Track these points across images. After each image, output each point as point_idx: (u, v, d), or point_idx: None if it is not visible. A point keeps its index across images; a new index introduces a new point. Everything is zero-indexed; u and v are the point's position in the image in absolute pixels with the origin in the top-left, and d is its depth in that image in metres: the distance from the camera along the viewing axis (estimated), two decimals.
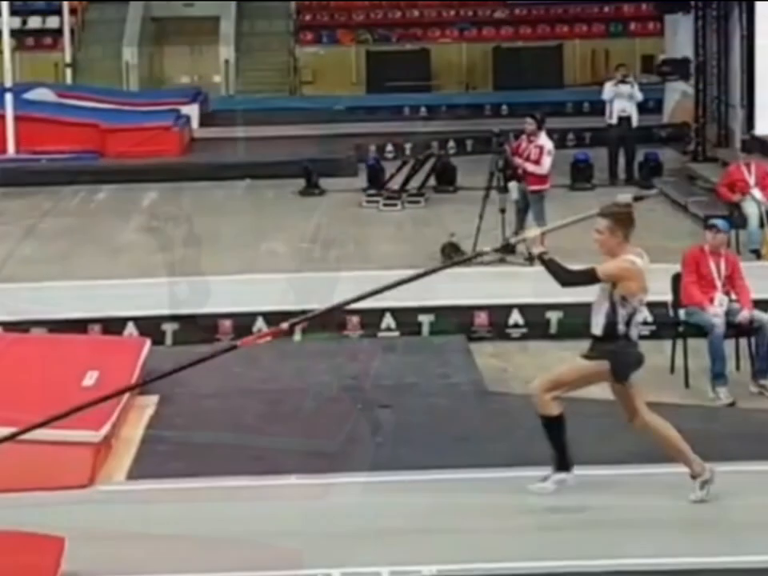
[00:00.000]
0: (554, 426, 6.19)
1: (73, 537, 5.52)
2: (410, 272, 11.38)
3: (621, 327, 6.17)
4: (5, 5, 19.32)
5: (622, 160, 16.95)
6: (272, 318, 9.95)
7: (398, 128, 21.38)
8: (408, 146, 19.65)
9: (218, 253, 13.04)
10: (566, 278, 6.21)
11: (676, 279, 9.01)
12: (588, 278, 6.18)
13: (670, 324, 9.09)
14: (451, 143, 19.88)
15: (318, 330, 9.85)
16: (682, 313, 8.91)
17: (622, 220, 6.21)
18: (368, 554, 5.67)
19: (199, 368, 8.66)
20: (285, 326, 6.23)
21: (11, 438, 6.03)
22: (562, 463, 6.22)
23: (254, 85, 28.09)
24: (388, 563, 5.54)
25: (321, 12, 29.64)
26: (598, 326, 6.23)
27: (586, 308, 10.02)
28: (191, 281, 11.36)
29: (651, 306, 9.83)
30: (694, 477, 6.26)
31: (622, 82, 16.84)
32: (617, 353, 6.19)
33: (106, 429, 6.89)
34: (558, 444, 6.20)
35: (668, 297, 9.11)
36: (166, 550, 5.76)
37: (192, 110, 22.08)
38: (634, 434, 7.22)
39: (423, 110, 24.47)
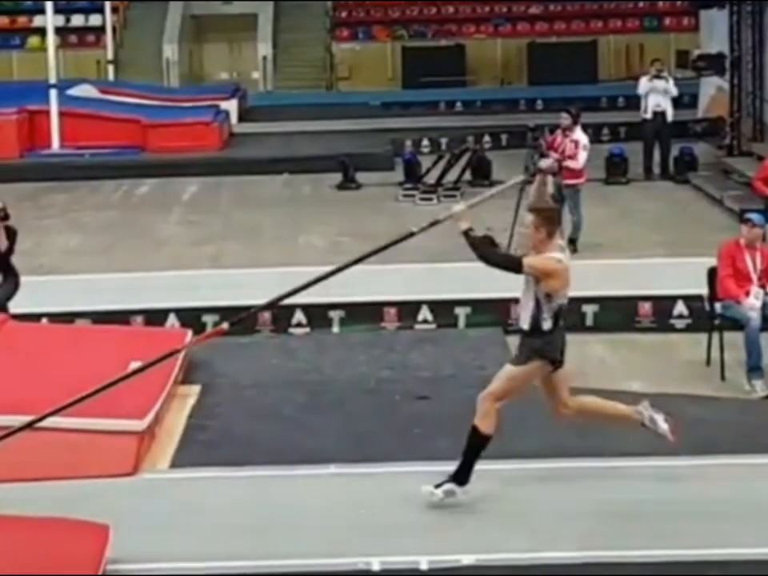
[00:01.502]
0: (478, 442, 6.11)
1: (117, 524, 5.59)
2: (446, 266, 11.60)
3: (547, 324, 6.08)
4: (49, 4, 19.57)
5: (657, 154, 16.94)
6: (310, 310, 10.09)
7: (433, 123, 21.45)
8: (444, 140, 19.72)
9: (257, 246, 13.17)
10: (490, 258, 6.08)
11: (712, 273, 9.04)
12: (512, 264, 6.08)
13: (706, 317, 9.12)
14: (486, 138, 19.92)
15: (356, 322, 9.97)
16: (718, 306, 8.93)
17: (547, 218, 6.11)
18: (407, 544, 5.71)
19: (239, 360, 8.88)
20: (225, 326, 6.29)
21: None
22: (461, 477, 6.12)
23: (291, 81, 28.26)
24: (427, 553, 5.57)
25: (357, 9, 29.74)
26: (525, 321, 6.15)
27: (622, 301, 10.19)
28: (230, 273, 11.52)
29: (687, 299, 9.94)
30: (643, 425, 6.28)
31: (657, 76, 16.79)
32: (544, 345, 6.10)
33: (149, 418, 6.99)
34: (469, 459, 6.11)
35: (704, 290, 9.14)
36: (209, 537, 5.83)
37: (231, 106, 22.27)
38: (680, 426, 7.26)
39: (458, 104, 24.53)
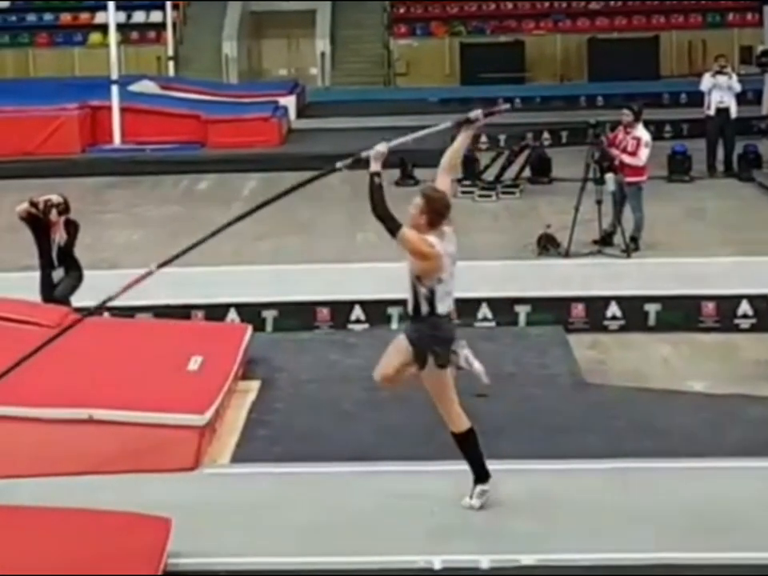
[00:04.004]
0: (463, 442, 6.06)
1: (178, 518, 5.60)
2: (506, 264, 11.51)
3: (424, 308, 5.94)
4: (111, 2, 19.76)
5: (720, 152, 16.73)
6: (369, 306, 10.10)
7: (492, 119, 21.30)
8: (502, 137, 19.62)
9: (316, 241, 13.18)
10: (377, 208, 5.85)
11: None
12: (391, 225, 5.83)
13: None
14: (546, 134, 19.80)
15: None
16: None
17: (434, 207, 5.95)
18: (468, 543, 5.68)
19: (298, 355, 8.87)
20: (153, 267, 6.39)
21: None
22: (481, 475, 6.08)
23: (349, 77, 28.30)
24: (488, 552, 5.54)
25: (415, 5, 29.71)
26: (409, 305, 6.04)
27: (685, 300, 10.08)
28: (289, 269, 11.55)
29: (752, 299, 9.81)
30: (459, 367, 6.12)
31: (720, 72, 16.57)
32: (429, 330, 5.95)
33: (210, 413, 7.00)
34: (472, 458, 6.08)
35: None
36: (269, 533, 5.83)
37: (290, 102, 22.33)
38: (744, 427, 7.15)
39: (517, 101, 24.40)
